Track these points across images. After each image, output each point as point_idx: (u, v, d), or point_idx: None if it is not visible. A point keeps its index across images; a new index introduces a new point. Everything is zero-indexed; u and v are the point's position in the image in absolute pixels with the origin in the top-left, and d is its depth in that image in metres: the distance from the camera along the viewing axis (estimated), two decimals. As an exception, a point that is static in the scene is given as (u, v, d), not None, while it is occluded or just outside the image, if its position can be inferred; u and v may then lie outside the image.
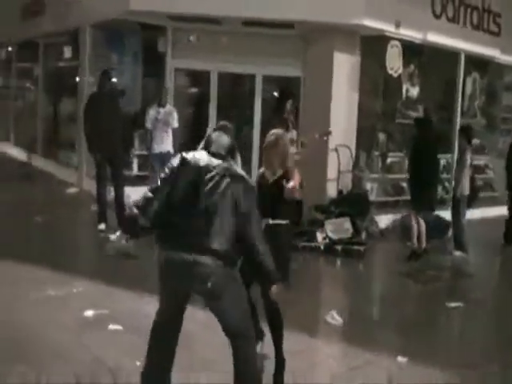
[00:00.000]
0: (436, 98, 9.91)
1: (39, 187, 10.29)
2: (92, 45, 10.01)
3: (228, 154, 3.24)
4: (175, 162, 3.19)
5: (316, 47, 8.48)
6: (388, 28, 8.28)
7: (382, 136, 8.94)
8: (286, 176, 3.78)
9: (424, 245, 6.81)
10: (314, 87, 8.47)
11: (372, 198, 8.64)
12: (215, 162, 3.14)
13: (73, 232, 7.20)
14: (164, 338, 3.23)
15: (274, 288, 3.23)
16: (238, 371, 3.15)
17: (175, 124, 8.11)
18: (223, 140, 3.26)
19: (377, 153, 8.87)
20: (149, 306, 4.52)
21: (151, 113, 8.09)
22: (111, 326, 4.38)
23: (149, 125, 8.05)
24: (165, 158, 7.33)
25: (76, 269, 5.65)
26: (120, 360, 3.80)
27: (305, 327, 4.66)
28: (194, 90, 9.93)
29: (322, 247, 6.94)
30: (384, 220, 8.32)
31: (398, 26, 8.34)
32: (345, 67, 8.41)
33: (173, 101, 9.06)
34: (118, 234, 6.12)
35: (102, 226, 7.09)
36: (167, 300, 3.18)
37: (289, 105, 7.89)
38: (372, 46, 8.55)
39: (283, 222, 3.82)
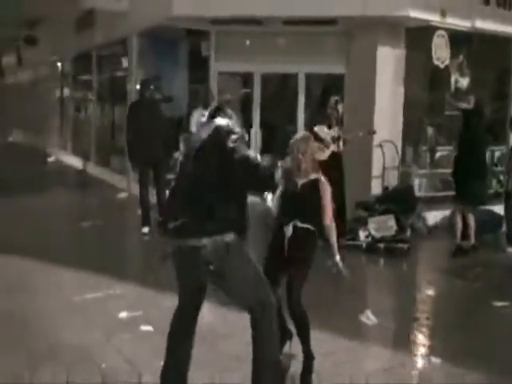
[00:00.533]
0: (489, 88, 9.47)
1: (91, 193, 10.66)
2: (138, 53, 10.28)
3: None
4: None
5: (359, 42, 8.31)
6: (433, 18, 7.99)
7: (430, 130, 8.63)
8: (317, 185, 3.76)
9: (472, 241, 6.50)
10: (358, 83, 8.29)
11: (420, 193, 8.36)
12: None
13: (117, 235, 7.38)
14: (180, 338, 3.24)
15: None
16: (256, 345, 3.08)
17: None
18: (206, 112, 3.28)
19: (425, 147, 8.57)
20: None
21: (195, 115, 8.16)
22: (143, 328, 4.45)
23: (193, 127, 8.12)
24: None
25: (117, 271, 5.76)
26: (146, 360, 3.84)
27: (339, 327, 4.57)
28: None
29: (363, 246, 6.77)
30: (433, 216, 8.02)
31: (443, 14, 8.03)
32: (389, 61, 8.18)
33: (217, 104, 9.13)
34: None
35: (146, 230, 7.22)
36: (183, 293, 3.20)
37: (333, 100, 7.71)
38: (417, 37, 8.27)
39: (310, 227, 3.74)
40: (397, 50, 8.19)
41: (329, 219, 3.76)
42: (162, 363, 3.42)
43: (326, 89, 7.87)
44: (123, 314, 4.69)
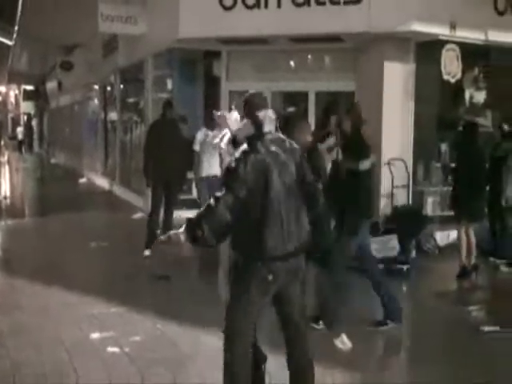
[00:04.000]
0: (509, 102, 9.05)
1: (110, 213, 10.82)
2: (156, 74, 10.46)
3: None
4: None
5: (366, 59, 8.16)
6: (442, 31, 7.75)
7: (443, 146, 8.29)
8: None
9: (473, 261, 6.17)
10: (366, 100, 8.03)
11: (433, 212, 8.02)
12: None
13: (119, 257, 7.37)
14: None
15: None
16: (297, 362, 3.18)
17: (223, 146, 8.10)
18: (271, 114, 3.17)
19: (438, 164, 8.23)
20: (155, 335, 4.66)
21: (199, 136, 8.18)
22: (109, 349, 4.41)
23: (197, 147, 8.12)
24: (212, 182, 7.36)
25: (104, 292, 5.74)
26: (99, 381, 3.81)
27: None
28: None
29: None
30: (446, 236, 7.67)
31: (453, 27, 7.78)
32: (397, 76, 7.98)
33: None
34: None
35: (147, 253, 7.20)
36: (257, 308, 3.08)
37: (333, 120, 7.54)
38: (427, 51, 8.03)
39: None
40: (406, 65, 7.99)
41: None
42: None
43: (327, 108, 7.65)
44: (95, 335, 4.68)
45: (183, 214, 7.01)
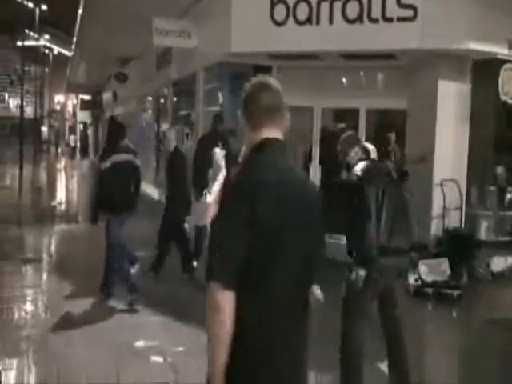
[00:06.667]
0: None
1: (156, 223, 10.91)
2: (207, 88, 10.57)
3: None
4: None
5: (419, 77, 7.98)
6: (500, 50, 7.52)
7: (500, 169, 8.00)
8: None
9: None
10: (419, 119, 7.93)
11: (487, 237, 7.72)
12: None
13: (167, 266, 7.41)
14: None
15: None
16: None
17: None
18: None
19: (493, 188, 7.94)
20: (198, 345, 4.59)
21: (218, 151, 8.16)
22: (153, 358, 4.42)
23: (222, 163, 8.08)
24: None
25: (150, 300, 5.77)
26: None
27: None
28: (299, 126, 9.84)
29: (411, 290, 6.33)
30: (501, 262, 7.37)
31: (511, 46, 7.55)
32: (452, 96, 7.78)
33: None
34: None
35: (195, 264, 7.24)
36: None
37: (393, 137, 7.54)
38: (485, 70, 7.80)
39: None
40: (461, 84, 7.78)
41: None
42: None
43: (386, 125, 7.54)
44: (139, 343, 4.71)
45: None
